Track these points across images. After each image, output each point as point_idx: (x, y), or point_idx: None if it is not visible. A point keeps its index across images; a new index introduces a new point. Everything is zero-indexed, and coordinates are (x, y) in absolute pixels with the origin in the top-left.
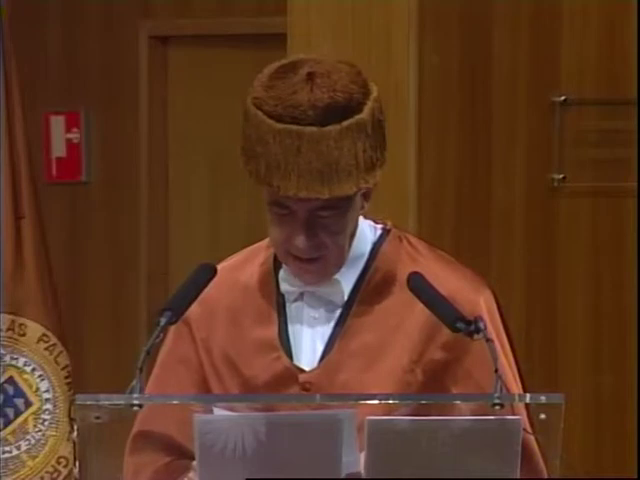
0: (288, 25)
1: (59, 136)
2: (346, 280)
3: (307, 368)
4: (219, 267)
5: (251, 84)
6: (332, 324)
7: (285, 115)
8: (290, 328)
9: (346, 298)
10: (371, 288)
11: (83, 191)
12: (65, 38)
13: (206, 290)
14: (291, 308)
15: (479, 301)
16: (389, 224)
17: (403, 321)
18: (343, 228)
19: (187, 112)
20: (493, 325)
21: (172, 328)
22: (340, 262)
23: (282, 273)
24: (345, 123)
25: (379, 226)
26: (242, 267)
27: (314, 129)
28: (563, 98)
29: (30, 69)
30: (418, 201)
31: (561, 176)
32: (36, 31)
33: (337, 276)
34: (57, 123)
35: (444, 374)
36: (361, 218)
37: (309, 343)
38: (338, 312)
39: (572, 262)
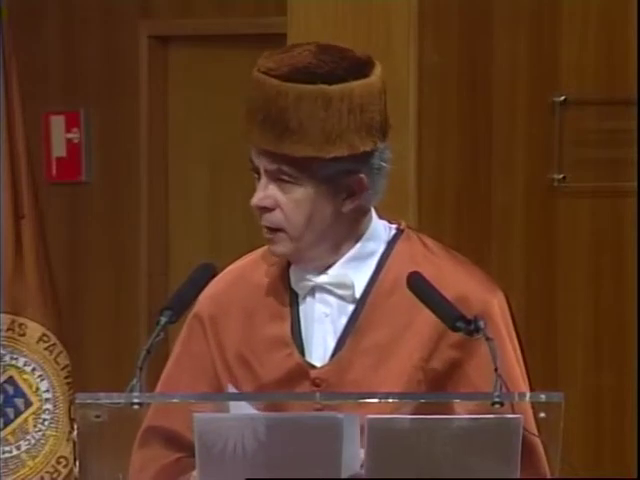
0: (288, 25)
1: (59, 136)
2: (359, 277)
3: (318, 364)
4: (232, 267)
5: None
6: (344, 321)
7: (289, 74)
8: (302, 324)
9: (359, 295)
10: (384, 286)
11: (83, 191)
12: (65, 38)
13: (219, 290)
14: (303, 304)
15: (492, 301)
16: (403, 224)
17: (414, 319)
18: (300, 200)
19: (187, 112)
20: (505, 326)
21: (185, 326)
22: (300, 239)
23: (293, 269)
24: (351, 84)
25: (393, 226)
26: (255, 267)
27: (316, 87)
28: (563, 98)
29: (30, 69)
30: (418, 200)
31: (561, 176)
32: (36, 31)
33: (349, 273)
34: (57, 123)
35: (454, 372)
36: (375, 218)
37: (320, 339)
38: (350, 309)
39: (572, 262)
